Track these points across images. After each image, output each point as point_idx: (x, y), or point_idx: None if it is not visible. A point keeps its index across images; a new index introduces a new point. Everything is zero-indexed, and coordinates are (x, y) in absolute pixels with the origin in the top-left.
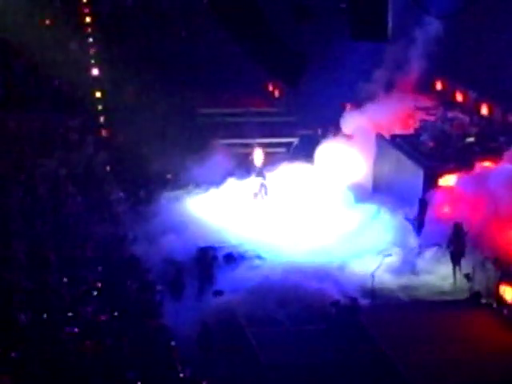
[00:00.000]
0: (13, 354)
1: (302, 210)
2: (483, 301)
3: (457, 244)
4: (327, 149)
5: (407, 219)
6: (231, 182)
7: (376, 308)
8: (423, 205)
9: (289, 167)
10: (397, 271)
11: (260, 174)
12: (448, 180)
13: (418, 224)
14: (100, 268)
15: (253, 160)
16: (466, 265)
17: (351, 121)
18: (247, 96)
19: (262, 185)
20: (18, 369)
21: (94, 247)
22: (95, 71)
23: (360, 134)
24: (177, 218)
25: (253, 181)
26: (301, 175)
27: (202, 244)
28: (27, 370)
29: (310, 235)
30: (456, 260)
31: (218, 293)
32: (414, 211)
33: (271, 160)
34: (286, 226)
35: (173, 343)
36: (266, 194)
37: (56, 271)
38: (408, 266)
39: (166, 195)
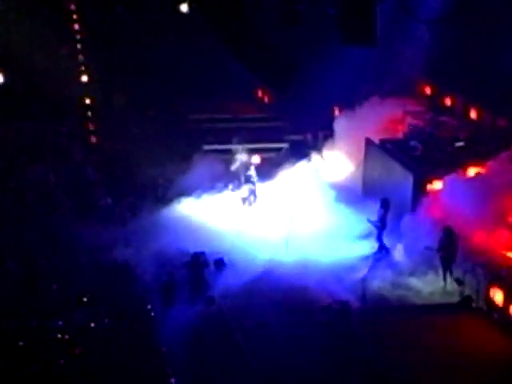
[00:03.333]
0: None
1: (292, 214)
2: (474, 305)
3: (448, 248)
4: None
5: (370, 222)
6: (220, 188)
7: (367, 312)
8: (385, 205)
9: (278, 173)
10: (387, 274)
11: (249, 179)
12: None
13: (381, 226)
14: (90, 274)
15: (242, 166)
16: (457, 269)
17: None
18: (236, 102)
19: (251, 190)
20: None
21: (84, 254)
22: (84, 78)
23: (349, 137)
24: (167, 224)
25: (242, 186)
26: (290, 180)
27: (193, 250)
28: (16, 377)
29: (299, 240)
30: (447, 264)
31: (210, 299)
32: (376, 213)
33: (261, 165)
34: (276, 231)
35: (163, 349)
36: (255, 199)
37: (46, 278)
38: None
39: (155, 201)
